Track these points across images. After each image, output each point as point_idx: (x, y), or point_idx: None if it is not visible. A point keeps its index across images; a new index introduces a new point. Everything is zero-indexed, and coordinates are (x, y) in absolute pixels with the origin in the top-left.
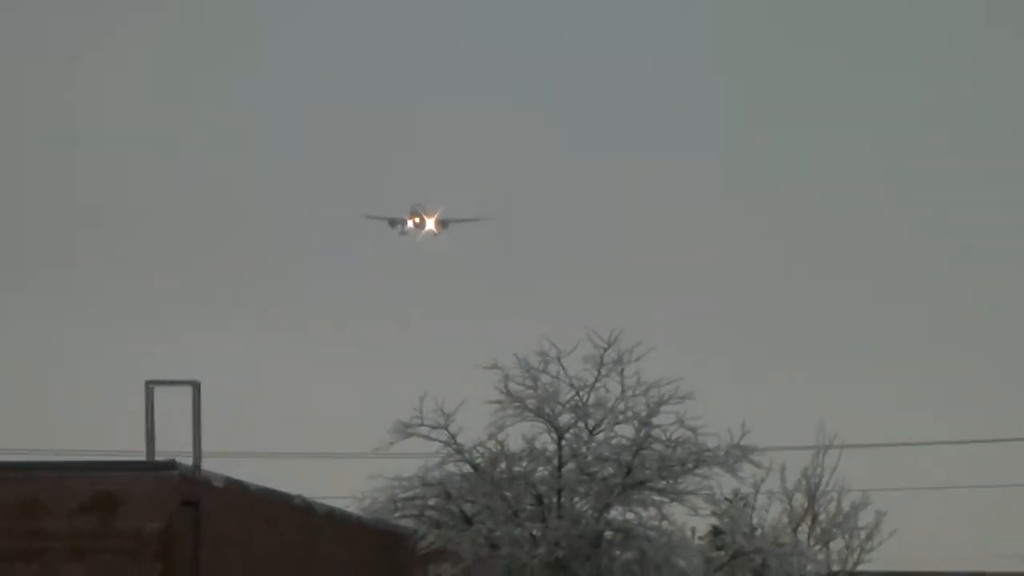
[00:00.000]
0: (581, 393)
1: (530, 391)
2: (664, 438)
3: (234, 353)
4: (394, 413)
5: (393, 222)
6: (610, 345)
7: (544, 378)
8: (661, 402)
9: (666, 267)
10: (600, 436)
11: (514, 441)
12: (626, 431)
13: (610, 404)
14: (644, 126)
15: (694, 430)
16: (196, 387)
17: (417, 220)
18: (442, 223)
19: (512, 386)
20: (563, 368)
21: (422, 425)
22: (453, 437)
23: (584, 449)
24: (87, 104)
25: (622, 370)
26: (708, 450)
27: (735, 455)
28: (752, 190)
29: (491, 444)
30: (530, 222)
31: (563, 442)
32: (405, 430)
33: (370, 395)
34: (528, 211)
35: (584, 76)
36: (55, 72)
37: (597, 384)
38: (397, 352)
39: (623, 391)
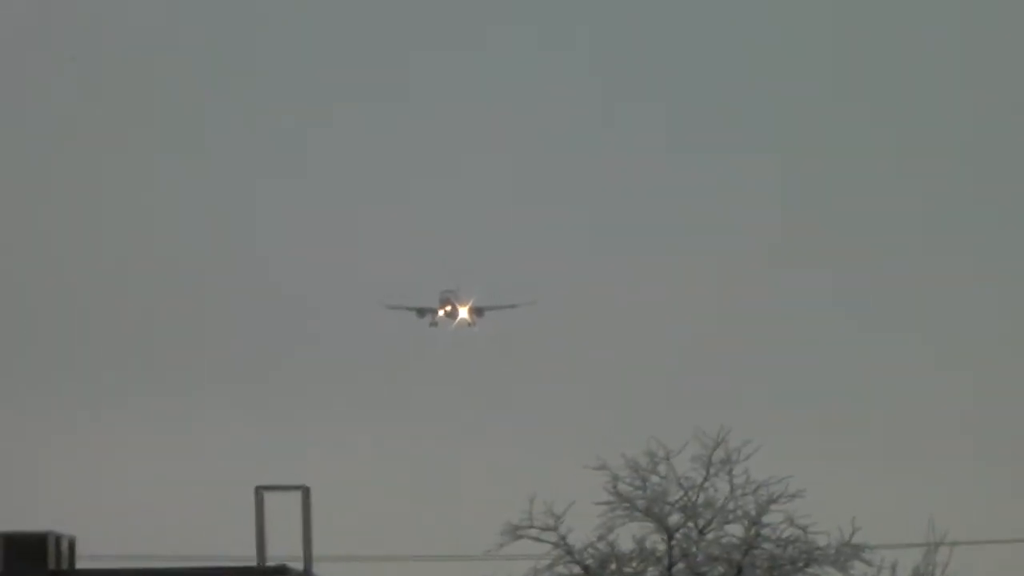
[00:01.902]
0: (690, 493)
1: (639, 491)
2: (774, 537)
3: (341, 456)
4: (504, 514)
5: (422, 312)
6: (718, 444)
7: (653, 478)
8: (771, 501)
9: (765, 362)
10: (710, 536)
11: (624, 542)
12: (736, 530)
13: (719, 503)
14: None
15: (804, 528)
16: (306, 492)
17: (448, 308)
18: (476, 311)
19: (621, 487)
20: (672, 468)
21: (532, 527)
22: (563, 539)
23: (694, 549)
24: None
25: (731, 469)
26: (819, 548)
27: (846, 553)
28: (850, 282)
29: (601, 545)
30: (574, 308)
31: (673, 542)
32: (515, 532)
33: (479, 496)
34: (571, 296)
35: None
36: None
37: (706, 484)
38: (502, 450)
39: (732, 490)
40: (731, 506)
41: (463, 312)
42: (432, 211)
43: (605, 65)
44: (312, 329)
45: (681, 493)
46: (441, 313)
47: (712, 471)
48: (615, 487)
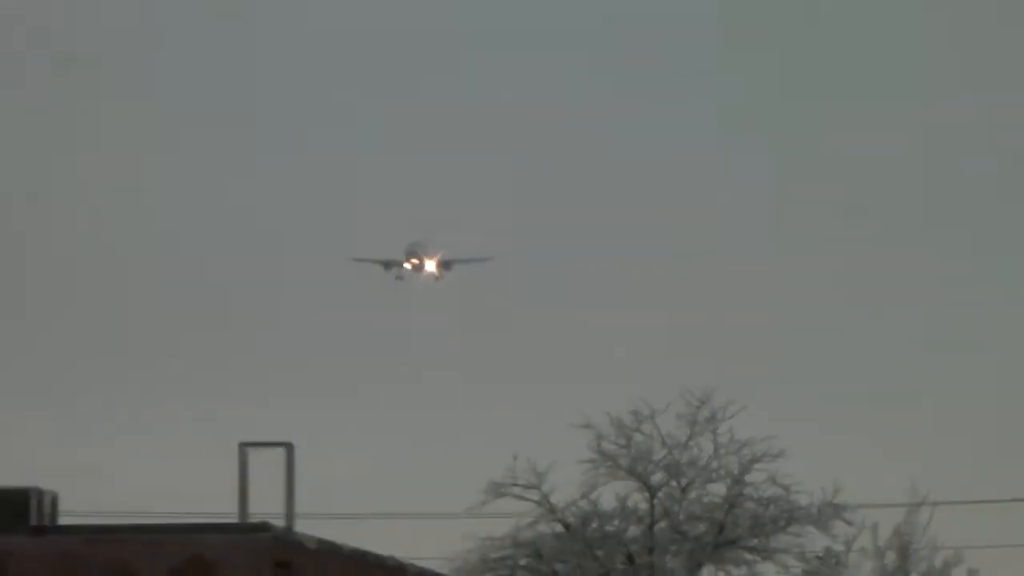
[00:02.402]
0: (674, 452)
1: (623, 450)
2: (756, 496)
3: (323, 414)
4: (485, 472)
5: (388, 265)
6: (702, 403)
7: (637, 437)
8: (754, 460)
9: (750, 321)
10: (693, 495)
11: (606, 500)
12: (718, 489)
13: (703, 463)
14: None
15: (786, 488)
16: (289, 449)
17: (415, 261)
18: (444, 264)
19: (605, 445)
20: (656, 426)
21: (515, 485)
22: (546, 497)
23: (676, 508)
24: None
25: (715, 428)
26: (800, 508)
27: (827, 513)
28: (827, 236)
29: (583, 503)
30: (550, 262)
31: (655, 501)
32: (497, 490)
33: (461, 454)
34: (548, 248)
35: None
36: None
37: (690, 443)
38: (484, 407)
39: (716, 449)
40: (714, 465)
41: (430, 265)
42: (403, 159)
43: (591, 27)
44: (287, 285)
45: (665, 452)
46: (407, 266)
47: (696, 430)
48: (599, 445)
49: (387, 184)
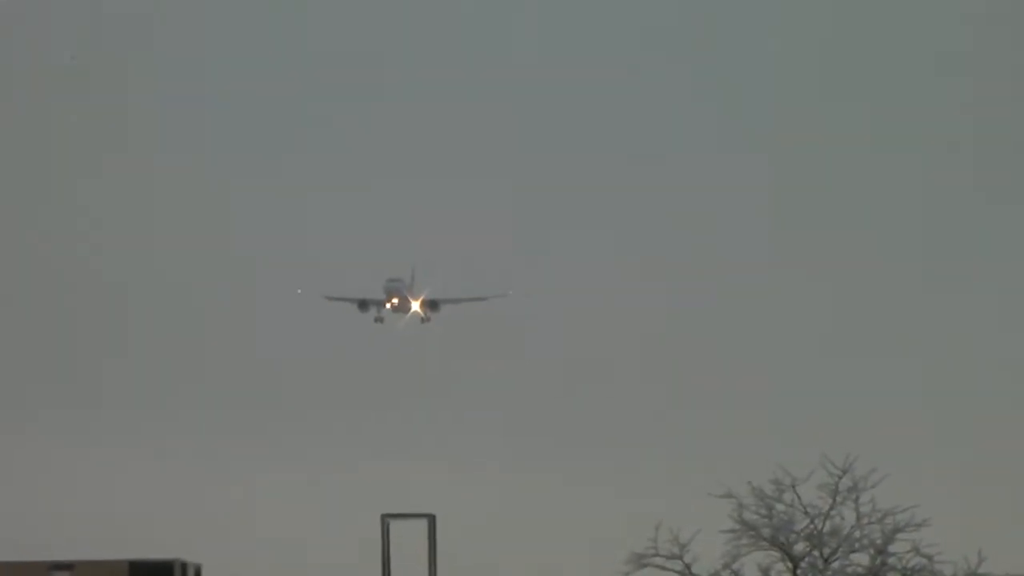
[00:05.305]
0: (816, 521)
1: (765, 520)
2: (900, 566)
3: (465, 484)
4: (627, 542)
5: (364, 304)
6: (844, 472)
7: (779, 506)
8: (897, 530)
9: (891, 389)
10: (835, 564)
11: (749, 570)
12: (862, 559)
13: (845, 532)
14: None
15: (930, 558)
16: (431, 520)
17: (395, 301)
18: (431, 304)
19: (747, 515)
20: (798, 496)
21: (657, 555)
22: (688, 567)
23: None
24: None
25: (857, 497)
26: None
27: None
28: (984, 306)
29: (726, 574)
30: (574, 298)
31: (798, 571)
32: (640, 560)
33: (604, 524)
34: (569, 285)
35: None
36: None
37: (832, 512)
38: (627, 478)
39: (858, 518)
40: (857, 535)
41: (415, 305)
42: (393, 199)
43: (580, 55)
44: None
45: (807, 521)
46: (387, 306)
47: (838, 499)
48: (740, 515)
49: (365, 216)
